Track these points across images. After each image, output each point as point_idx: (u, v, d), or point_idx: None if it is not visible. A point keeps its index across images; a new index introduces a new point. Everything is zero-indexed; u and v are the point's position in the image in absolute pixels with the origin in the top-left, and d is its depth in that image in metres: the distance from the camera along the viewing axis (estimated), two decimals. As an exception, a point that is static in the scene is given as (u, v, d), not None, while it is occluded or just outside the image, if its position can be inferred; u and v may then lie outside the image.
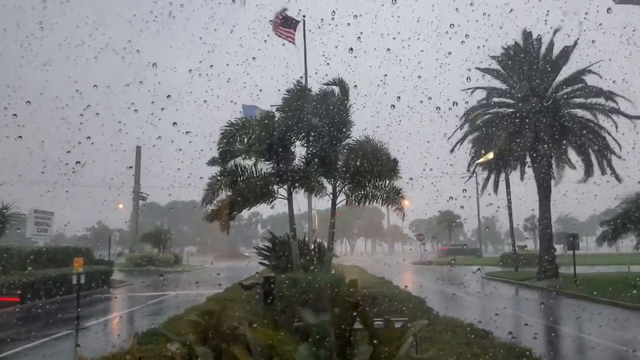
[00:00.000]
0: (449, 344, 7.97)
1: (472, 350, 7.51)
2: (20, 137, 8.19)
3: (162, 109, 9.12)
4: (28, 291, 17.35)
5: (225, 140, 12.72)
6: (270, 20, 24.27)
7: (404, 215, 13.87)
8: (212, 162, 13.09)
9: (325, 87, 13.42)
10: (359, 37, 11.36)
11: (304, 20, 25.21)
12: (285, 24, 24.77)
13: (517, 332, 10.59)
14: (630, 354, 8.89)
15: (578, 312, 15.07)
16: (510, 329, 9.91)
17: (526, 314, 15.53)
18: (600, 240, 20.67)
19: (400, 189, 13.38)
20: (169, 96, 9.27)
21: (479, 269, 34.13)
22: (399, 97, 10.86)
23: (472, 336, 8.50)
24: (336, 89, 13.27)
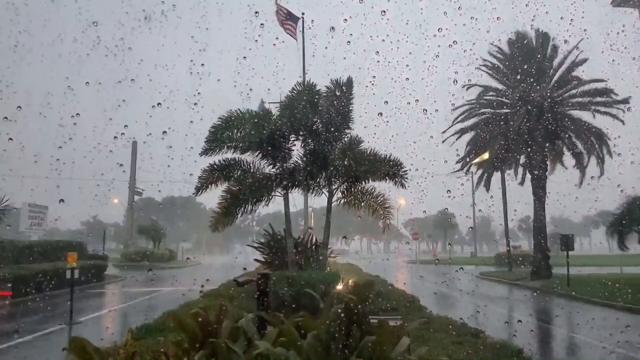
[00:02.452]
0: (441, 342, 8.03)
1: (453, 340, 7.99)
2: (11, 139, 8.12)
3: (153, 106, 9.11)
4: (21, 285, 17.26)
5: (220, 126, 12.64)
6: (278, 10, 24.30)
7: (387, 225, 13.79)
8: (205, 151, 12.92)
9: (328, 85, 13.42)
10: (349, 42, 11.51)
11: (302, 17, 25.26)
12: (288, 17, 24.89)
13: (499, 329, 10.68)
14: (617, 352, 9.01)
15: (565, 312, 15.21)
16: (494, 326, 10.00)
17: (515, 312, 15.64)
18: (609, 235, 20.98)
19: (388, 203, 13.45)
20: (159, 104, 9.25)
21: (461, 267, 35.51)
22: (387, 102, 10.95)
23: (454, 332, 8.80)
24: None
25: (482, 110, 25.87)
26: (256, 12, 12.30)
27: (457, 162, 25.84)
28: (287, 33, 24.75)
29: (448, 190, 11.52)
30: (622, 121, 22.99)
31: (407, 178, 13.05)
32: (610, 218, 21.72)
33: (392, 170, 12.86)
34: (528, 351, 7.72)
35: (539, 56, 23.87)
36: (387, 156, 13.15)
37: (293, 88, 13.13)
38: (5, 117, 7.75)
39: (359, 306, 4.06)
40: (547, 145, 23.10)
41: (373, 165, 12.89)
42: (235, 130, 12.69)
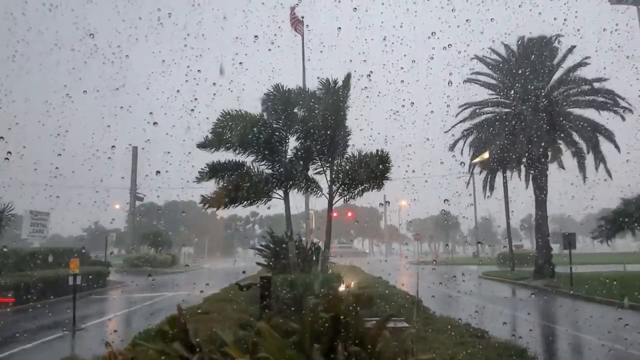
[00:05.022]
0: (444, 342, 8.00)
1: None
2: (7, 158, 8.08)
3: (149, 118, 9.17)
4: (24, 292, 17.26)
5: (220, 126, 12.74)
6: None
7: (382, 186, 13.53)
8: (202, 144, 13.04)
9: (320, 88, 13.44)
10: (337, 47, 11.63)
11: (302, 19, 25.55)
12: (294, 19, 25.43)
13: (500, 327, 10.65)
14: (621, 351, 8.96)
15: (568, 311, 15.14)
16: (497, 326, 9.96)
17: (518, 312, 15.59)
18: (597, 235, 20.89)
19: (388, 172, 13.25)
20: (155, 123, 9.29)
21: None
22: (378, 104, 11.01)
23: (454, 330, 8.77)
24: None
25: (483, 109, 25.86)
26: (255, 36, 12.40)
27: (462, 163, 25.88)
28: (298, 33, 25.26)
29: (445, 198, 11.52)
30: (623, 117, 22.91)
31: (389, 177, 12.96)
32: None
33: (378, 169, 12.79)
34: (538, 352, 7.69)
35: (532, 57, 23.89)
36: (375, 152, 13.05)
37: (268, 92, 13.20)
38: (1, 137, 7.74)
39: (353, 314, 4.04)
40: (548, 143, 23.06)
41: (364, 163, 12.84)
42: (232, 131, 12.78)
